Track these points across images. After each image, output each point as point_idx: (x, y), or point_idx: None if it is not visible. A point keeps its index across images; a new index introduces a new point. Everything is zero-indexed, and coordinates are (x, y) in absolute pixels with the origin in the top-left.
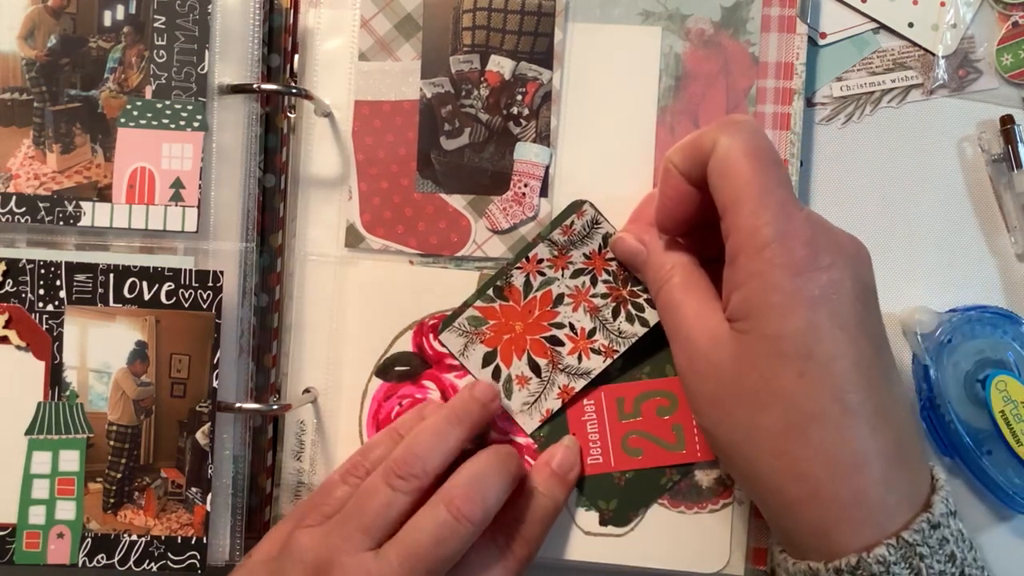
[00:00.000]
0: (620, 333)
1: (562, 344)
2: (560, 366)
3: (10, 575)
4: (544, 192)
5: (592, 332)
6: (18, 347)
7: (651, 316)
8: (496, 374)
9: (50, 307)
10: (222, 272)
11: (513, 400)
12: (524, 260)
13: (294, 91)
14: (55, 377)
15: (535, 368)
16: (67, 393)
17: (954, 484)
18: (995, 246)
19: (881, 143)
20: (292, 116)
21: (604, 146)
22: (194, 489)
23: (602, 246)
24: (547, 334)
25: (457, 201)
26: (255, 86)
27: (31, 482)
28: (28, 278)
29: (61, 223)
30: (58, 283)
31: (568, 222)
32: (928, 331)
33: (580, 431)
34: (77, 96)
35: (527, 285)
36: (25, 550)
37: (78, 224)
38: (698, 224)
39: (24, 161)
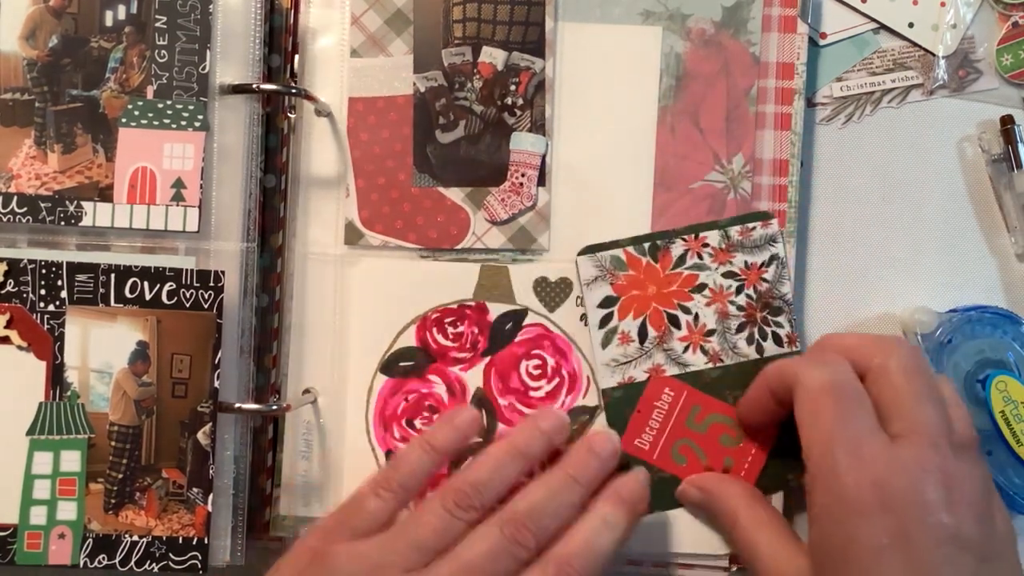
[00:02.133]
0: (734, 348)
1: (679, 328)
2: (665, 346)
3: (11, 575)
4: (542, 181)
5: (711, 332)
6: (19, 347)
7: (769, 348)
8: (605, 320)
9: (51, 307)
10: (223, 272)
11: (606, 352)
12: (692, 236)
13: (294, 91)
14: (56, 377)
15: (643, 335)
16: (68, 393)
17: None
18: (995, 246)
19: (881, 143)
20: (292, 116)
21: (602, 139)
22: (195, 489)
23: (765, 263)
24: (671, 311)
25: (455, 194)
26: (256, 86)
27: (32, 482)
28: (29, 278)
29: (62, 223)
30: (59, 283)
31: (751, 225)
32: (928, 331)
33: (645, 411)
34: (78, 96)
35: (681, 259)
36: (26, 550)
37: (79, 224)
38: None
39: (25, 161)
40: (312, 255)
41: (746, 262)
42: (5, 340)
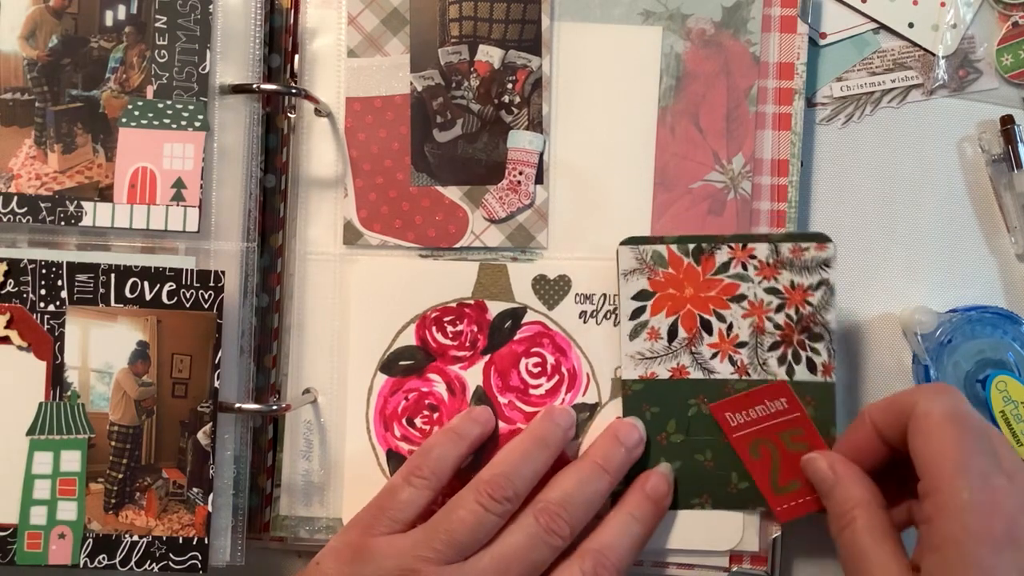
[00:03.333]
0: (764, 364)
1: (710, 333)
2: (693, 349)
3: (11, 575)
4: (539, 179)
5: (742, 344)
6: (19, 347)
7: (800, 373)
8: (637, 312)
9: (51, 307)
10: (223, 272)
11: (632, 344)
12: (740, 245)
13: (294, 91)
14: (56, 377)
15: (672, 334)
16: (68, 393)
17: None
18: (995, 246)
19: (881, 143)
20: (292, 116)
21: (602, 138)
22: (195, 489)
23: (813, 287)
24: (705, 316)
25: (453, 193)
26: (256, 86)
27: (32, 482)
28: (29, 278)
29: (62, 223)
30: (59, 283)
31: (804, 246)
32: (928, 331)
33: (756, 398)
34: (78, 96)
35: (724, 266)
36: (26, 551)
37: (79, 224)
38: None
39: (25, 161)
40: (311, 255)
41: (792, 282)
42: (5, 340)
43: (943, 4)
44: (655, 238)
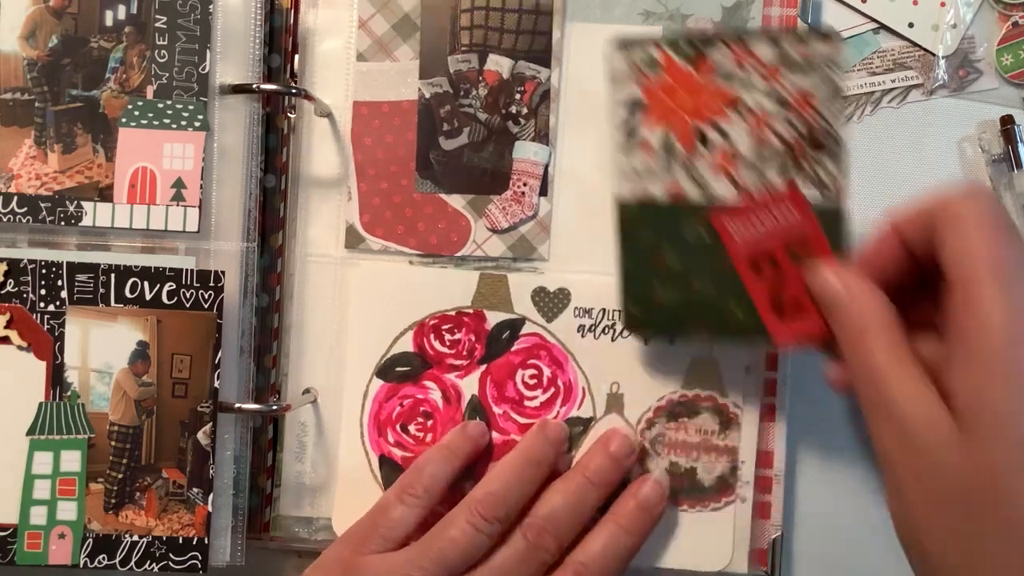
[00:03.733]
0: (766, 182)
1: (707, 146)
2: (689, 164)
3: (11, 575)
4: (544, 191)
5: (742, 160)
6: (19, 347)
7: (808, 194)
8: (629, 123)
9: (51, 307)
10: (223, 272)
11: (627, 159)
12: (741, 44)
13: (294, 91)
14: (56, 377)
15: (668, 148)
16: (68, 393)
17: None
18: None
19: (881, 143)
20: (292, 116)
21: (605, 146)
22: (195, 489)
23: (812, 93)
24: (703, 126)
25: (456, 201)
26: (256, 86)
27: (32, 482)
28: (29, 278)
29: (62, 223)
30: (59, 283)
31: (810, 43)
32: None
33: (751, 210)
34: (78, 96)
35: (722, 69)
36: (26, 551)
37: (79, 224)
38: (896, 290)
39: (25, 161)
40: (312, 256)
41: (797, 86)
42: (5, 340)
43: (943, 4)
44: (647, 39)
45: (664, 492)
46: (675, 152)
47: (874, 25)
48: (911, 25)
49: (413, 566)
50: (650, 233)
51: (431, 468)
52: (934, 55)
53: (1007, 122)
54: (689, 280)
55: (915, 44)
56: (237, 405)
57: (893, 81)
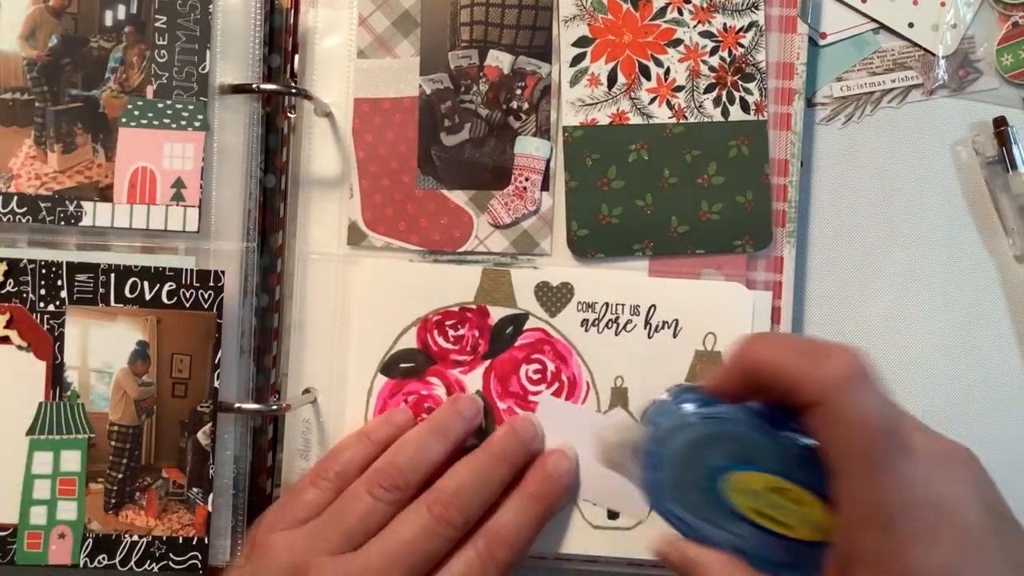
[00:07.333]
0: (700, 107)
1: (648, 79)
2: (632, 95)
3: (11, 575)
4: (545, 186)
5: (679, 88)
6: (19, 347)
7: (735, 114)
8: (577, 59)
9: (51, 307)
10: (223, 272)
11: (572, 91)
12: None
13: (294, 91)
14: (56, 377)
15: (612, 80)
16: (68, 393)
17: None
18: (994, 247)
19: (881, 143)
20: (292, 116)
21: None
22: (195, 489)
23: (744, 28)
24: (643, 61)
25: (459, 197)
26: (256, 86)
27: (32, 482)
28: (29, 278)
29: (62, 223)
30: (59, 283)
31: None
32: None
33: None
34: (78, 96)
35: (661, 11)
36: (26, 550)
37: (79, 224)
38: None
39: (25, 161)
40: (314, 255)
41: (725, 24)
42: (5, 340)
43: (943, 4)
44: None
45: (572, 463)
46: (619, 84)
47: (874, 25)
48: (911, 25)
49: (315, 538)
50: (595, 156)
51: (347, 455)
52: (934, 55)
53: (1000, 124)
54: (632, 199)
55: (915, 44)
56: (237, 405)
57: (893, 81)
